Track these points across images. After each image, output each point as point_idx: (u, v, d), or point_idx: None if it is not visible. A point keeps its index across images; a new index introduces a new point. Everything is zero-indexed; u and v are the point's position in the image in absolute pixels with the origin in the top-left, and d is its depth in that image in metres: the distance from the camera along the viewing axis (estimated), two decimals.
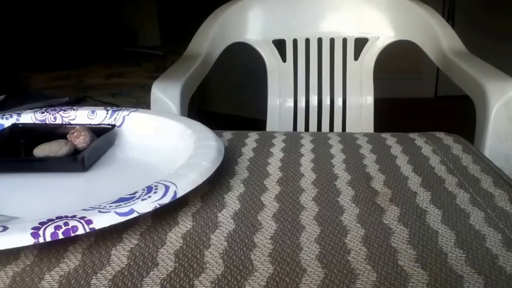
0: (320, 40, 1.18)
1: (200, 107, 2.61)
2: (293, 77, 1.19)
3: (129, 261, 0.37)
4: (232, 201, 0.46)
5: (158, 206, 0.40)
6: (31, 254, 0.38)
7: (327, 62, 1.19)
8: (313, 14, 1.20)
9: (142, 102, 1.70)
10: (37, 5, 2.27)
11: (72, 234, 0.36)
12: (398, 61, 2.87)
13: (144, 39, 2.72)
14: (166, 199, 0.41)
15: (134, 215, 0.39)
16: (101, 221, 0.37)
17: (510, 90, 0.82)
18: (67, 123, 0.64)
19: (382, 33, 1.17)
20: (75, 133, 0.56)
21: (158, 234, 0.40)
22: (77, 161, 0.52)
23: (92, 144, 0.55)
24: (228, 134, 0.66)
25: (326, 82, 1.19)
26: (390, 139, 0.64)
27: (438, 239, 0.39)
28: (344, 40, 1.17)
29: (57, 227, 0.36)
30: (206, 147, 0.51)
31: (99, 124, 0.63)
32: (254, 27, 1.19)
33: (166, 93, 0.89)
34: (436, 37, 1.09)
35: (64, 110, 0.65)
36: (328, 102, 1.18)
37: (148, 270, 0.36)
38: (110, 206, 0.39)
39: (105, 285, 0.34)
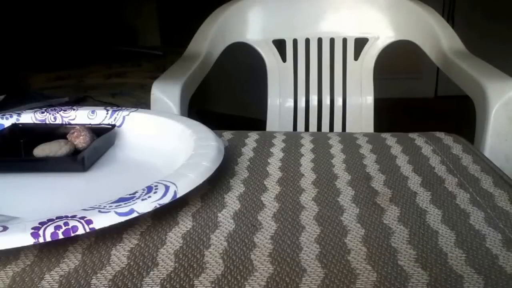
0: (320, 40, 1.18)
1: (200, 107, 2.61)
2: (293, 77, 1.19)
3: (129, 261, 0.37)
4: (232, 201, 0.46)
5: (158, 206, 0.40)
6: (31, 254, 0.38)
7: (327, 62, 1.19)
8: (313, 14, 1.20)
9: (142, 102, 1.70)
10: (37, 5, 2.27)
11: (72, 234, 0.36)
12: (398, 61, 2.87)
13: (144, 39, 2.72)
14: (166, 199, 0.41)
15: (134, 215, 0.39)
16: (101, 221, 0.37)
17: (510, 90, 0.82)
18: (67, 123, 0.64)
19: (382, 33, 1.17)
20: (75, 133, 0.56)
21: (158, 234, 0.40)
22: (77, 161, 0.52)
23: (92, 144, 0.55)
24: (228, 134, 0.66)
25: (326, 82, 1.19)
26: (390, 139, 0.64)
27: (438, 239, 0.39)
28: (344, 40, 1.17)
29: (57, 227, 0.36)
30: (206, 147, 0.51)
31: (99, 124, 0.63)
32: (254, 27, 1.19)
33: (166, 93, 0.89)
34: (436, 37, 1.09)
35: (64, 110, 0.65)
36: (328, 102, 1.18)
37: (148, 270, 0.36)
38: (110, 206, 0.39)
39: (105, 285, 0.34)
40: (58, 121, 0.65)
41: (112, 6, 2.61)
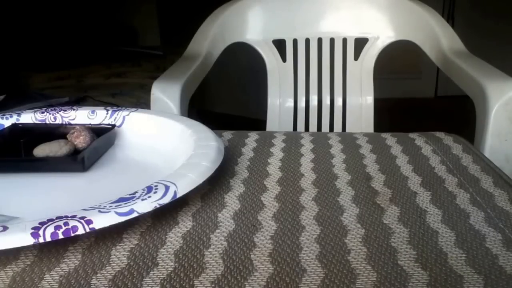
0: (320, 40, 1.18)
1: (200, 107, 2.61)
2: (293, 77, 1.19)
3: (129, 261, 0.37)
4: (232, 201, 0.46)
5: (158, 206, 0.40)
6: (31, 254, 0.38)
7: (327, 62, 1.19)
8: (313, 14, 1.20)
9: (142, 102, 1.70)
10: (38, 5, 2.27)
11: (72, 234, 0.36)
12: (398, 61, 2.87)
13: (144, 39, 2.72)
14: (166, 199, 0.41)
15: (134, 215, 0.39)
16: (101, 221, 0.37)
17: (510, 90, 0.82)
18: (67, 123, 0.64)
19: (382, 33, 1.17)
20: (75, 133, 0.56)
21: (158, 234, 0.40)
22: (77, 161, 0.52)
23: (92, 144, 0.55)
24: (228, 134, 0.66)
25: (326, 82, 1.19)
26: (390, 139, 0.64)
27: (438, 239, 0.39)
28: (344, 40, 1.17)
29: (57, 227, 0.36)
30: (206, 147, 0.51)
31: (99, 124, 0.63)
32: (254, 27, 1.19)
33: (166, 93, 0.89)
34: (436, 37, 1.09)
35: (64, 110, 0.65)
36: (328, 102, 1.18)
37: (148, 270, 0.36)
38: (110, 206, 0.39)
39: (105, 285, 0.34)
40: (58, 121, 0.65)
41: (112, 6, 2.61)
